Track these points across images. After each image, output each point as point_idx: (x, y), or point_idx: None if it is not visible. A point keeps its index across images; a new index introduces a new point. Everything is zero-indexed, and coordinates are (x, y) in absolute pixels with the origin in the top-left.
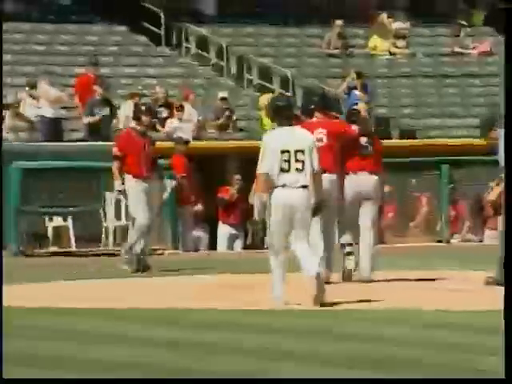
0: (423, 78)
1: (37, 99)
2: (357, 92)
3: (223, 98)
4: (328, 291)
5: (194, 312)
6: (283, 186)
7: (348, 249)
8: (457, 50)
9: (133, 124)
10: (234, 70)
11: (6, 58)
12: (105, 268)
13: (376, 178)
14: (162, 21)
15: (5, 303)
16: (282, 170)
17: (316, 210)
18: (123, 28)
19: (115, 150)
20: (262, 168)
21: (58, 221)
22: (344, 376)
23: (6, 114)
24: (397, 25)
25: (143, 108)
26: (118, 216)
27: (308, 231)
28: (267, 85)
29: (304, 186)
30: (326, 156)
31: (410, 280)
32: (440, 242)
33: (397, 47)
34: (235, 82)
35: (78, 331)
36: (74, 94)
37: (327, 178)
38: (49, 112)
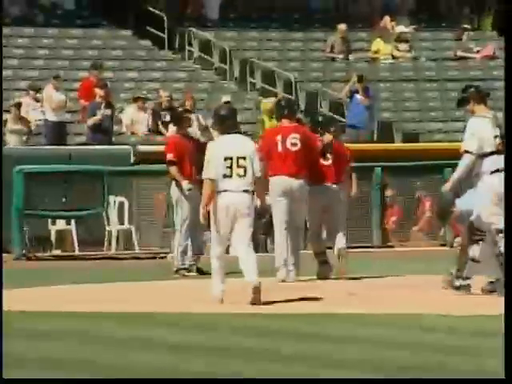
0: (426, 82)
1: (41, 103)
2: (358, 96)
3: (226, 102)
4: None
5: (194, 315)
6: (225, 190)
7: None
8: (460, 54)
9: (174, 129)
10: (237, 73)
11: (11, 62)
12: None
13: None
14: (166, 25)
15: (7, 307)
16: (225, 176)
17: (260, 216)
18: (127, 32)
19: (171, 156)
20: (207, 174)
21: (61, 224)
22: (344, 377)
23: (8, 117)
24: (400, 28)
25: (184, 113)
26: (121, 220)
27: (249, 234)
28: (271, 88)
29: (246, 191)
30: (299, 161)
31: (412, 284)
32: (443, 245)
33: (399, 51)
34: (238, 86)
35: (77, 333)
36: (78, 98)
37: (298, 183)
38: (52, 116)
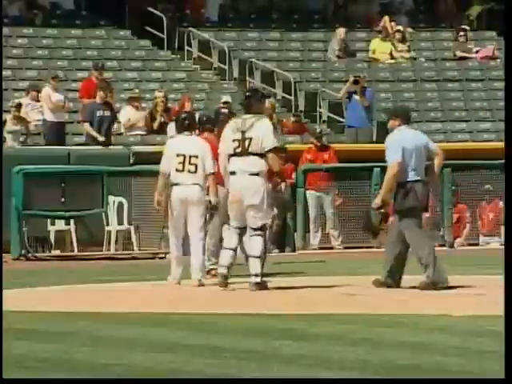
0: (426, 83)
1: (40, 103)
2: (356, 97)
3: (226, 103)
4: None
5: (194, 315)
6: (177, 184)
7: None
8: (459, 54)
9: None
10: (236, 74)
11: (10, 62)
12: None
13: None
14: (165, 25)
15: (6, 307)
16: (177, 170)
17: (213, 208)
18: (126, 32)
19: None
20: (160, 168)
21: (60, 224)
22: (344, 377)
23: (8, 117)
24: (399, 28)
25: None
26: (120, 220)
27: (201, 223)
28: (270, 89)
29: (195, 184)
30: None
31: (411, 284)
32: (443, 245)
33: (398, 51)
34: (238, 86)
35: (77, 334)
36: (78, 98)
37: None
38: (51, 116)
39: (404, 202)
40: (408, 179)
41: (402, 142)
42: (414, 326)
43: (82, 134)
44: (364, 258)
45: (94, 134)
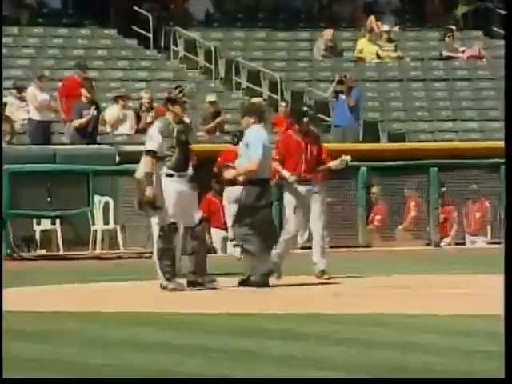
0: (412, 82)
1: (26, 102)
2: (343, 96)
3: (212, 102)
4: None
5: (184, 315)
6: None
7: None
8: (446, 53)
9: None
10: (222, 73)
11: None
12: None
13: None
14: (151, 24)
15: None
16: None
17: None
18: (112, 31)
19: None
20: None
21: (45, 224)
22: (335, 377)
23: None
24: (385, 28)
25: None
26: (106, 220)
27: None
28: (256, 88)
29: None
30: None
31: (399, 284)
32: (429, 245)
33: (384, 50)
34: (224, 86)
35: (66, 334)
36: (59, 96)
37: None
38: (37, 115)
39: (247, 198)
40: (258, 177)
41: (261, 140)
42: (404, 326)
43: (67, 134)
44: (353, 257)
45: (84, 120)
